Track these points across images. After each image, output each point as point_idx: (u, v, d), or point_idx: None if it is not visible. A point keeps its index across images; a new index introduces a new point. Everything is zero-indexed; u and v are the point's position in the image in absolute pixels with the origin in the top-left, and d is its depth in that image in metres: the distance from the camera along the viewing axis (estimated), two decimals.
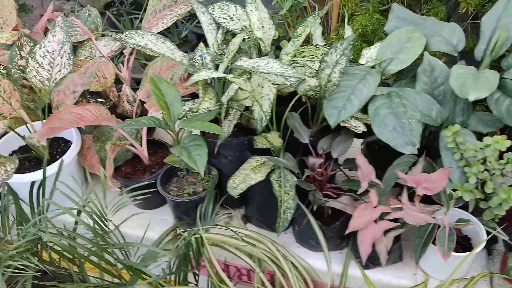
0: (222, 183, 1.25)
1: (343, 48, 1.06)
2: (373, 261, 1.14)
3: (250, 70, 1.09)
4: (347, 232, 1.01)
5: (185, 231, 1.18)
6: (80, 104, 1.22)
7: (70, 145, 1.40)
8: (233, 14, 1.26)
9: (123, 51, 1.48)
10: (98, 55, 1.50)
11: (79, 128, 1.39)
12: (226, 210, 1.32)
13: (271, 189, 1.14)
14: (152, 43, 1.12)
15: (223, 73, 1.17)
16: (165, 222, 1.33)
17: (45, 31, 1.56)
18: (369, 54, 1.21)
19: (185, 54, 1.15)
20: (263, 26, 1.23)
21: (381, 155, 1.20)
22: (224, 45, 1.26)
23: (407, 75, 1.25)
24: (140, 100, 1.42)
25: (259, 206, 1.24)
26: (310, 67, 1.19)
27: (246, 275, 1.31)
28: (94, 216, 1.11)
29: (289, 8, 1.49)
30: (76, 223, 1.25)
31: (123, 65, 1.51)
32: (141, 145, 1.32)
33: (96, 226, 1.13)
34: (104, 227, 1.12)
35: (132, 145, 1.29)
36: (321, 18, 1.88)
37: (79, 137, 1.35)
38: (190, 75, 1.32)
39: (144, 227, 1.28)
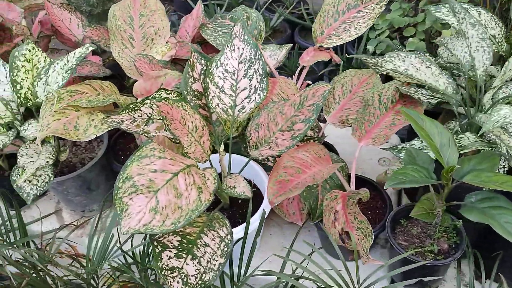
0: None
1: None
2: None
3: None
4: None
5: None
6: (300, 146, 0.95)
7: None
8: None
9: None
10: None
11: None
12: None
13: None
14: (414, 68, 0.85)
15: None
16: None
17: (193, 40, 1.28)
18: None
19: (451, 80, 0.87)
20: None
21: None
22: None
23: None
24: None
25: None
26: None
27: None
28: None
29: None
30: None
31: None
32: (349, 185, 1.07)
33: None
34: None
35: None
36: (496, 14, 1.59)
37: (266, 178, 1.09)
38: (402, 95, 1.05)
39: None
